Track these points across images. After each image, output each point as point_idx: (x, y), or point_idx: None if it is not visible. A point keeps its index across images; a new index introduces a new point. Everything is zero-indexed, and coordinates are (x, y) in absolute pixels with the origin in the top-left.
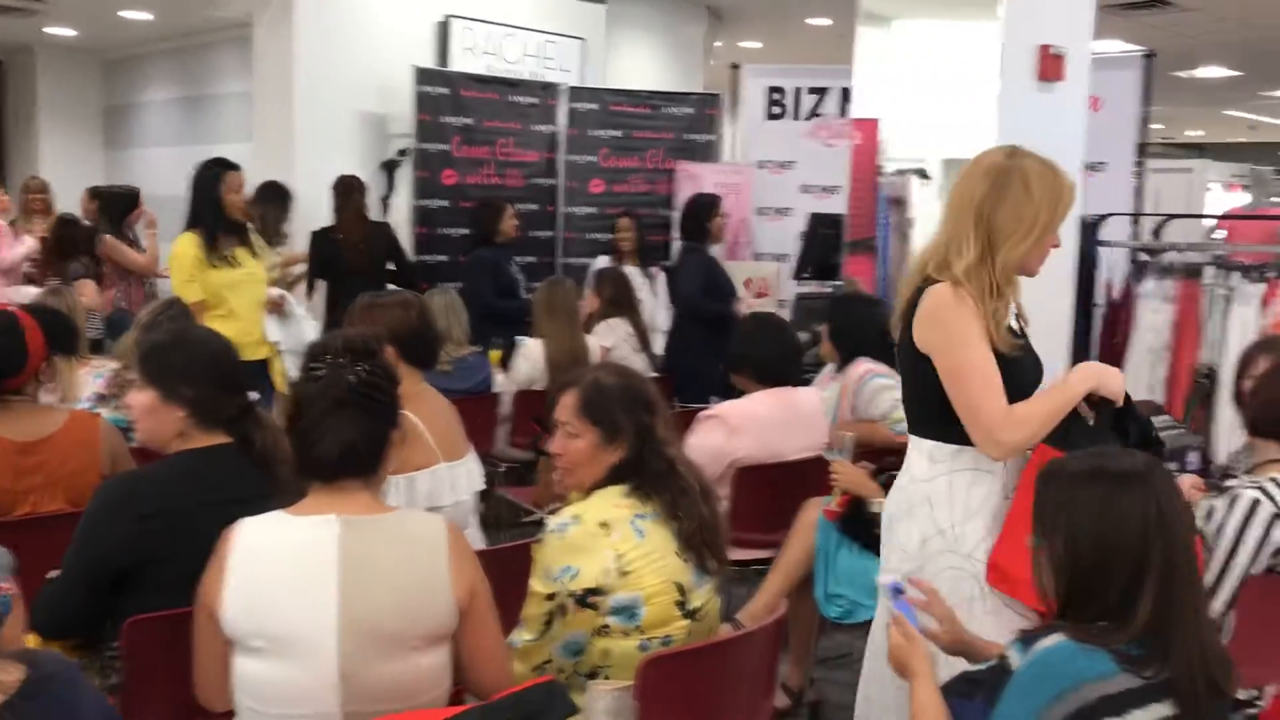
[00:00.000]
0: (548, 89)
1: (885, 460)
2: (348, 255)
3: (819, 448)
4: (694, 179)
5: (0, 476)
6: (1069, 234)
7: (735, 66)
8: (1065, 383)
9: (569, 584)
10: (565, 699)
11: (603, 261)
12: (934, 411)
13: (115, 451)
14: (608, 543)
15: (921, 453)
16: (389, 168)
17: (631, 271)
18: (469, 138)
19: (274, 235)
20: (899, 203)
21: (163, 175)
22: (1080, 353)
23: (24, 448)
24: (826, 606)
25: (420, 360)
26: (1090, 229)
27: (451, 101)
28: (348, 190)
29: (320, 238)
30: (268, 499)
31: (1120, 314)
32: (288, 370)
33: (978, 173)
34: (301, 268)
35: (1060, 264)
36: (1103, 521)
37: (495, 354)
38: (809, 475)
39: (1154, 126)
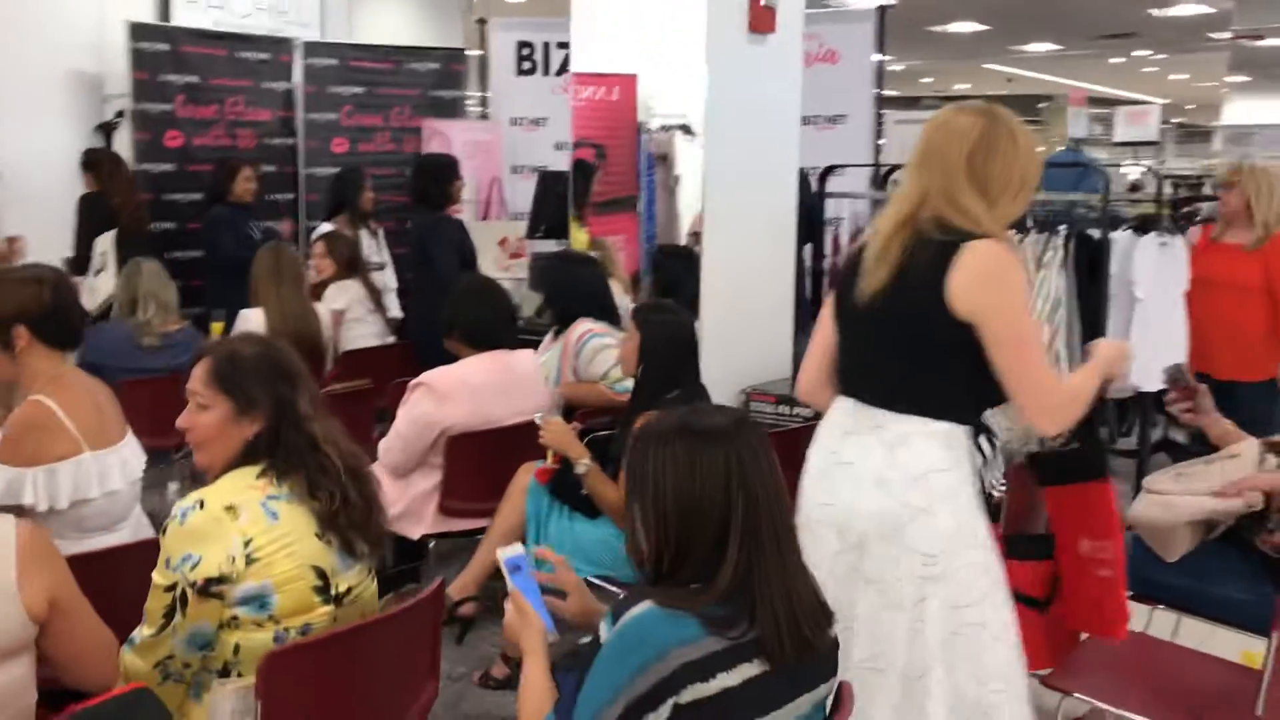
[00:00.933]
0: (280, 44)
1: (595, 420)
2: (127, 220)
3: (537, 411)
4: (442, 137)
5: None
6: (789, 186)
7: (482, 21)
8: (1098, 361)
9: (189, 573)
10: (154, 706)
11: (326, 226)
12: (958, 387)
13: None
14: (234, 528)
15: (935, 437)
16: (106, 131)
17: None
18: (193, 97)
19: None
20: (665, 159)
21: None
22: (804, 306)
23: None
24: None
25: (59, 340)
26: (806, 181)
27: (172, 59)
28: (113, 160)
29: (92, 203)
30: None
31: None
32: None
33: (957, 129)
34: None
35: (780, 217)
36: (686, 479)
37: (217, 326)
38: (525, 440)
39: (924, 80)
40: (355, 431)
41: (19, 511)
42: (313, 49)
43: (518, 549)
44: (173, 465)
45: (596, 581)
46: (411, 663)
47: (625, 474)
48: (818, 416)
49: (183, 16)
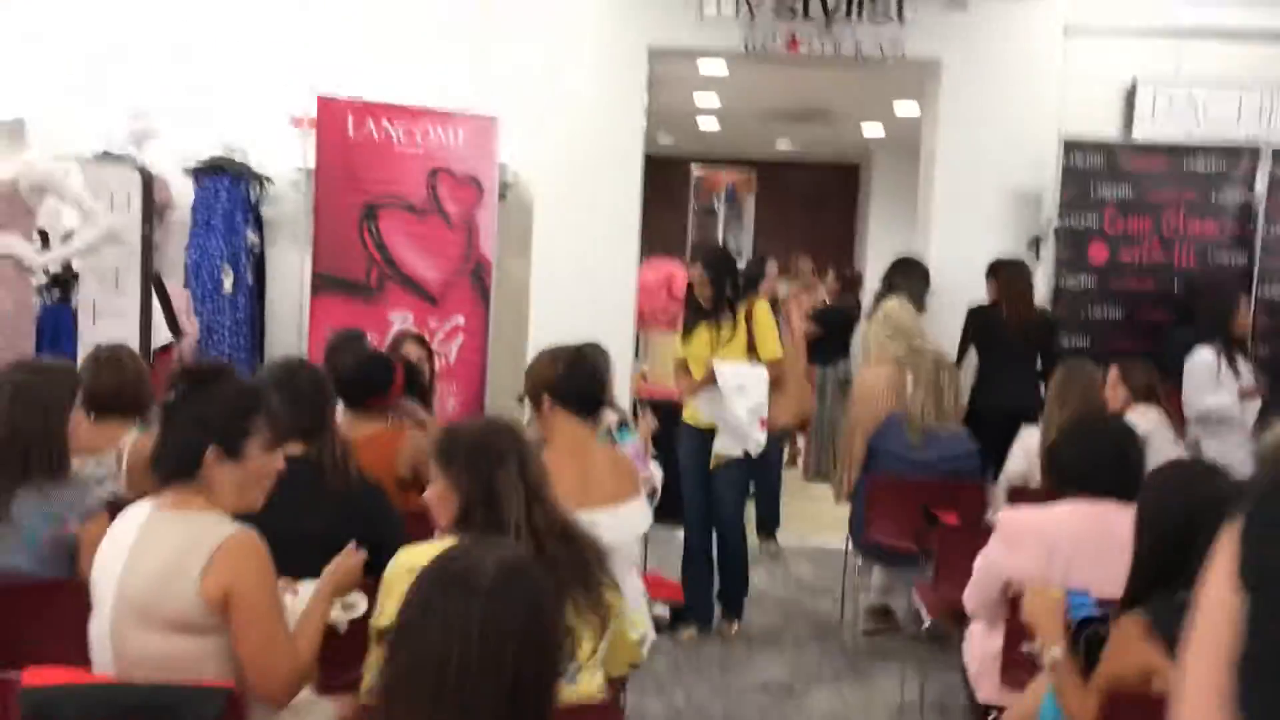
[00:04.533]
0: (1238, 153)
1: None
2: (1008, 331)
3: None
4: None
5: None
6: None
7: None
8: None
9: (376, 620)
10: (212, 706)
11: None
12: None
13: (416, 460)
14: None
15: None
16: (1035, 245)
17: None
18: (1124, 209)
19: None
20: None
21: None
22: None
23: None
24: None
25: (575, 406)
26: None
27: (1106, 172)
28: (1012, 268)
29: (975, 314)
30: None
31: None
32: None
33: None
34: None
35: None
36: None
37: None
38: None
39: None
40: None
41: None
42: None
43: None
44: (903, 571)
45: None
46: None
47: None
48: None
49: (1145, 130)
